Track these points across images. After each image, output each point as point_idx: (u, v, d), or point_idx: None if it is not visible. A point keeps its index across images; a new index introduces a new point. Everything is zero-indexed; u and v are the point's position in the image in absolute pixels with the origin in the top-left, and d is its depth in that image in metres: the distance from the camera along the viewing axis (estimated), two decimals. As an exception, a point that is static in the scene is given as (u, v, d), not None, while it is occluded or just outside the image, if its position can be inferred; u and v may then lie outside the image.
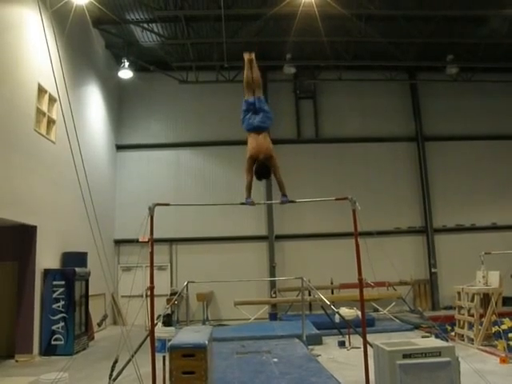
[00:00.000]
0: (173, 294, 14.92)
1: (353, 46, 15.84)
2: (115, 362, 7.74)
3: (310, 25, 13.64)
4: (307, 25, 13.71)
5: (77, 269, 11.40)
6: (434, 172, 18.10)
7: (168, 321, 11.50)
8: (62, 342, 10.72)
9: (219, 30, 14.17)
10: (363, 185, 17.15)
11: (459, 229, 17.86)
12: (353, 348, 10.22)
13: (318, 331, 11.67)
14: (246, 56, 6.99)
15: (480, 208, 17.92)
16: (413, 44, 15.80)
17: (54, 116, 11.95)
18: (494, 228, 17.73)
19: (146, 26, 15.26)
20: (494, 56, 16.82)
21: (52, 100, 11.78)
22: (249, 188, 6.78)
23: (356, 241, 6.51)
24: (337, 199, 6.95)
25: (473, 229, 17.79)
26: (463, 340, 10.29)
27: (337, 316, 10.69)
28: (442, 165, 18.17)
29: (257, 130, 6.80)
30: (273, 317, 15.39)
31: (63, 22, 11.75)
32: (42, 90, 11.34)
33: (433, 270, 17.31)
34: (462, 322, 10.57)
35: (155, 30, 15.46)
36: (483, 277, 10.41)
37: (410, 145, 18.45)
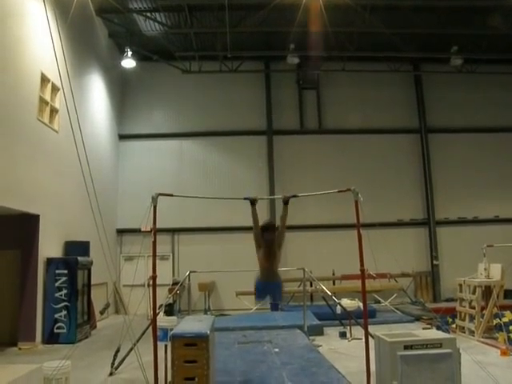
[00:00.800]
0: (175, 283, 14.97)
1: (357, 36, 15.72)
2: (117, 350, 7.82)
3: (313, 15, 13.54)
4: (311, 15, 13.61)
5: (79, 258, 11.44)
6: (437, 164, 18.05)
7: (170, 310, 11.57)
8: (65, 331, 10.78)
9: (223, 20, 14.10)
10: (366, 176, 17.12)
11: (461, 221, 17.85)
12: (354, 339, 10.25)
13: (319, 322, 11.69)
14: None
15: (482, 200, 17.88)
16: (417, 35, 15.69)
17: (56, 105, 11.93)
18: (497, 221, 17.73)
19: (149, 15, 15.16)
20: (499, 48, 16.70)
21: (55, 89, 11.76)
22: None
23: (358, 232, 6.49)
24: (339, 191, 6.92)
25: (475, 221, 17.79)
26: (464, 332, 10.32)
27: (338, 307, 10.75)
28: (444, 157, 18.12)
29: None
30: (274, 307, 15.41)
31: (66, 11, 11.67)
32: (44, 79, 11.30)
33: (434, 262, 17.33)
34: (463, 314, 10.59)
35: (158, 19, 15.37)
36: (485, 269, 10.42)
37: (413, 137, 18.38)
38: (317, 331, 11.08)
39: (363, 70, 17.60)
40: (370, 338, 6.12)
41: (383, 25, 14.73)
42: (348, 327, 10.72)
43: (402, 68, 17.79)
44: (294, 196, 6.97)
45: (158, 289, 6.37)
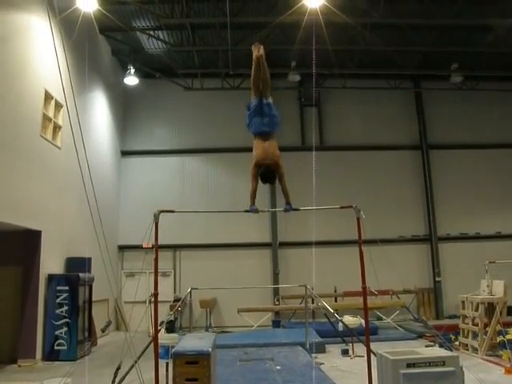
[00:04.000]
0: (176, 300, 14.91)
1: (357, 54, 15.88)
2: (118, 368, 7.75)
3: (315, 33, 13.68)
4: (312, 33, 13.75)
5: (81, 274, 11.40)
6: (438, 180, 18.07)
7: (171, 327, 11.51)
8: (65, 348, 10.72)
9: (225, 38, 14.25)
10: (367, 193, 17.13)
11: (463, 237, 17.80)
12: (356, 356, 10.18)
13: (321, 339, 11.63)
14: (255, 52, 6.40)
15: (484, 216, 17.86)
16: (417, 52, 15.83)
17: (59, 122, 12.02)
18: (499, 237, 17.66)
19: (151, 33, 15.34)
20: (498, 65, 16.84)
21: (58, 106, 11.86)
22: (253, 195, 6.62)
23: (360, 249, 6.50)
24: (341, 207, 6.94)
25: (477, 237, 17.73)
26: (467, 349, 10.23)
27: (340, 324, 10.67)
28: (446, 173, 18.14)
29: (262, 134, 6.57)
30: (276, 324, 15.34)
31: (70, 29, 11.83)
32: (48, 96, 11.41)
33: (437, 279, 17.24)
34: (466, 332, 10.51)
35: (161, 37, 15.55)
36: (488, 286, 10.36)
37: (414, 153, 18.44)
38: (319, 348, 10.98)
39: (364, 87, 17.72)
40: (372, 356, 6.09)
41: (383, 42, 14.88)
42: (350, 344, 10.65)
43: (403, 85, 17.92)
44: (295, 209, 6.91)
45: (159, 305, 6.35)
